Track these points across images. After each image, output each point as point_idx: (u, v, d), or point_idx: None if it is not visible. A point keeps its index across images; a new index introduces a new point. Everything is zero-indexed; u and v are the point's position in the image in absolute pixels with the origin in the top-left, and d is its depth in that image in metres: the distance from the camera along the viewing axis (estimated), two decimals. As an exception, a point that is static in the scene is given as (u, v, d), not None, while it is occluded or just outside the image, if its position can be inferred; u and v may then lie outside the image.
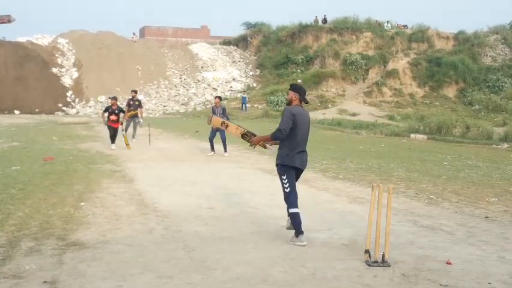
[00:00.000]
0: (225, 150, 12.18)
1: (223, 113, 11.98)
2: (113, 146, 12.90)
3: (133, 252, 4.51)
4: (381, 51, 39.09)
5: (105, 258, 4.32)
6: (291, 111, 4.93)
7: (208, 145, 12.37)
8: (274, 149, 5.17)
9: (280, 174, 5.00)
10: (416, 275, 4.06)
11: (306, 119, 5.07)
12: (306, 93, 5.20)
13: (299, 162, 4.97)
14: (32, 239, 4.82)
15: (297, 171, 5.05)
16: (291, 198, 4.93)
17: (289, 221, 4.99)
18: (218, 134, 11.94)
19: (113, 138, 13.10)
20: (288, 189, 4.92)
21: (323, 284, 3.85)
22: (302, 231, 4.86)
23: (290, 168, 4.95)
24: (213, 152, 12.23)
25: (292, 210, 4.91)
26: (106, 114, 13.04)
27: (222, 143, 12.16)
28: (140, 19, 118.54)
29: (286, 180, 4.94)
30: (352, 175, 9.44)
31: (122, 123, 13.44)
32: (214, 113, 11.87)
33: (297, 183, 5.05)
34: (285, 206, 5.00)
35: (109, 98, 13.92)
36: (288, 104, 5.12)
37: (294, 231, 4.92)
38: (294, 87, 5.16)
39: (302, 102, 5.06)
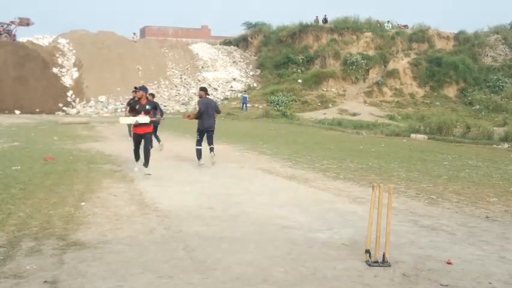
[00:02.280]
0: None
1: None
2: (136, 168, 8.95)
3: (134, 252, 4.51)
4: (382, 51, 39.11)
5: (105, 258, 4.32)
6: (200, 101, 10.08)
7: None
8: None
9: (197, 131, 10.02)
10: (416, 275, 4.06)
11: (210, 103, 10.05)
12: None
13: (206, 126, 9.92)
14: (32, 239, 4.82)
15: (206, 132, 9.98)
16: (197, 143, 10.06)
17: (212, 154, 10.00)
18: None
19: (137, 152, 8.97)
20: (197, 138, 10.06)
21: (323, 284, 3.86)
22: (201, 158, 9.98)
23: (201, 130, 9.96)
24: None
25: (197, 147, 10.04)
26: (135, 118, 8.76)
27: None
28: (140, 19, 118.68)
29: (198, 134, 10.04)
30: (352, 175, 9.44)
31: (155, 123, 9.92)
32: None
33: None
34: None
35: (135, 88, 9.53)
36: (200, 97, 10.17)
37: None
38: (202, 88, 10.32)
39: (207, 95, 10.20)
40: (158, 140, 12.48)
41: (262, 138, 17.34)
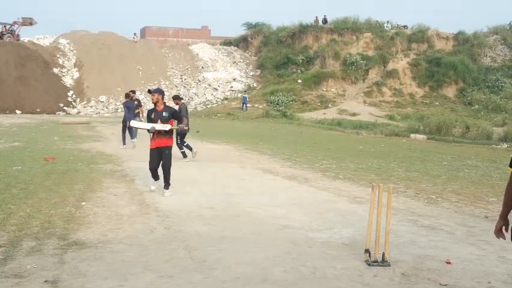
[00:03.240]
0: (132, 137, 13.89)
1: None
2: (153, 186, 7.39)
3: (134, 252, 4.53)
4: (381, 51, 39.07)
5: (106, 258, 4.34)
6: (182, 108, 10.93)
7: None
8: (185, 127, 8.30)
9: (177, 134, 10.46)
10: (416, 275, 4.08)
11: (187, 108, 11.70)
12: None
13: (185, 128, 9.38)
14: (33, 239, 4.83)
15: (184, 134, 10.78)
16: (182, 143, 11.11)
17: (192, 152, 11.25)
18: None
19: (155, 171, 7.30)
20: (178, 142, 10.81)
21: (323, 284, 3.87)
22: (191, 150, 11.20)
23: (182, 133, 10.43)
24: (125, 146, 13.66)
25: (185, 144, 11.13)
26: (155, 126, 7.04)
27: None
28: (141, 19, 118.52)
29: (180, 137, 10.88)
30: (352, 175, 9.46)
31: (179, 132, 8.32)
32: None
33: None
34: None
35: (149, 91, 7.44)
36: (177, 104, 10.95)
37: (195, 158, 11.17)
38: (177, 97, 11.26)
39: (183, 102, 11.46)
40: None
41: (262, 138, 17.36)
